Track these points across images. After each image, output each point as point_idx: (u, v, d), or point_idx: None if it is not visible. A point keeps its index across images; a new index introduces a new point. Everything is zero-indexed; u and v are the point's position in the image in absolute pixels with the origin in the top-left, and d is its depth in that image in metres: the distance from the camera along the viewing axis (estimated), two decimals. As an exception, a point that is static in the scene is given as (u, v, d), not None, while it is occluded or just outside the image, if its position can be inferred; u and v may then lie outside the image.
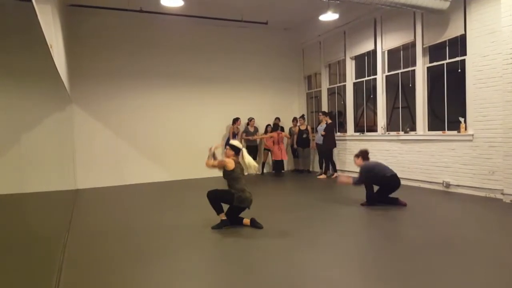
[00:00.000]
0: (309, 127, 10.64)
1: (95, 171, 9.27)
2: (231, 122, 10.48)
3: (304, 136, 10.45)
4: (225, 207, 4.90)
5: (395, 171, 8.21)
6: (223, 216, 4.80)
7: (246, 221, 4.80)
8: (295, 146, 10.80)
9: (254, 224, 4.73)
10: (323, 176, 9.67)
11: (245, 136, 10.60)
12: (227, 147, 4.99)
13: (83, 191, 8.65)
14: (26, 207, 7.22)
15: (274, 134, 10.51)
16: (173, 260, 3.79)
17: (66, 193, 8.48)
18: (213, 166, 4.86)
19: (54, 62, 4.29)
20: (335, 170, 9.82)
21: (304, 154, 10.65)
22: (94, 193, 8.38)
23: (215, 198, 4.76)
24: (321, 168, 9.97)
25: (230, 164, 4.74)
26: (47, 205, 7.41)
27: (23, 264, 4.00)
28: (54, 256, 4.04)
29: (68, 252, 4.16)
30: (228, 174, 4.78)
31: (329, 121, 9.72)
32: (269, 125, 10.86)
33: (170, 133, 10.11)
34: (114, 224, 5.46)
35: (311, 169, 10.91)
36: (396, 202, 5.95)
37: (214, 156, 4.95)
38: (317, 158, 10.44)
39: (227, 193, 4.74)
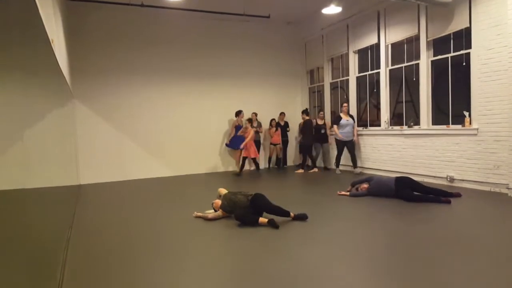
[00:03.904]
0: (327, 122, 10.25)
1: (98, 166, 9.27)
2: (233, 116, 10.44)
3: (322, 131, 10.07)
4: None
5: (398, 166, 8.18)
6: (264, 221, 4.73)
7: (263, 220, 4.74)
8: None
9: (272, 223, 4.66)
10: (301, 170, 9.91)
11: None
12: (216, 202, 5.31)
13: (86, 187, 8.65)
14: (30, 203, 7.23)
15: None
16: (177, 257, 3.78)
17: (69, 189, 8.48)
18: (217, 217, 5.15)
19: (55, 57, 4.25)
20: (314, 166, 10.07)
21: (323, 150, 10.25)
22: (97, 189, 8.38)
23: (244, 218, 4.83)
24: (337, 164, 9.48)
25: (222, 213, 5.13)
26: (50, 200, 7.42)
27: (27, 259, 4.00)
28: (58, 252, 4.04)
29: (71, 248, 4.14)
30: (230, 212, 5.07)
31: (306, 117, 10.12)
32: (273, 119, 10.83)
33: (173, 128, 10.09)
34: (117, 220, 5.45)
35: (328, 166, 10.33)
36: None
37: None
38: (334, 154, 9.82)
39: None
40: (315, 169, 9.93)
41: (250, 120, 9.88)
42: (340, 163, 9.57)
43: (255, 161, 10.02)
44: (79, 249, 4.12)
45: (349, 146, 9.16)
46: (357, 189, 6.49)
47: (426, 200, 5.78)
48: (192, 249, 4.00)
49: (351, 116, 9.29)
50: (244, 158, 9.84)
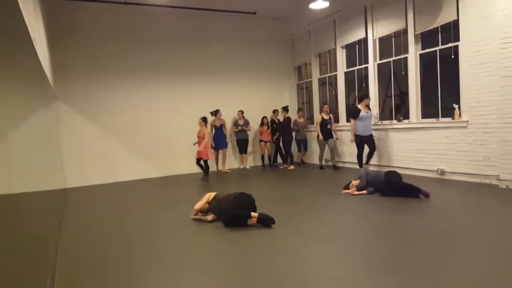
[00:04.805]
0: (332, 116, 9.55)
1: (84, 169, 9.02)
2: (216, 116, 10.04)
3: (328, 127, 9.38)
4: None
5: (389, 160, 8.11)
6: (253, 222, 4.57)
7: (252, 221, 4.55)
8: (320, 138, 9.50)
9: (262, 221, 4.52)
10: (292, 167, 9.97)
11: (235, 129, 10.44)
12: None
13: (73, 190, 8.40)
14: (14, 209, 6.98)
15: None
16: (170, 259, 3.65)
17: (55, 193, 8.23)
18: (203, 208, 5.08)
19: (38, 57, 4.06)
20: (291, 162, 10.15)
21: (329, 146, 9.46)
22: (84, 192, 8.15)
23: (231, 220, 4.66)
24: (360, 164, 8.24)
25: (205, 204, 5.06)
26: (36, 205, 7.18)
27: (14, 268, 3.83)
28: (47, 259, 3.87)
29: (60, 254, 3.98)
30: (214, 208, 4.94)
31: (287, 115, 10.21)
32: (265, 117, 10.70)
33: (160, 129, 9.88)
34: (106, 223, 5.28)
35: (336, 164, 9.52)
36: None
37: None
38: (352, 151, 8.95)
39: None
40: (285, 165, 10.22)
41: (204, 119, 9.00)
42: (329, 159, 9.53)
43: (206, 163, 8.86)
44: (69, 255, 3.96)
45: (369, 141, 8.08)
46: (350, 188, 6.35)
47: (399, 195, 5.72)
48: (186, 252, 3.88)
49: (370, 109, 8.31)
50: (202, 160, 8.82)
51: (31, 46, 3.51)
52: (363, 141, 8.08)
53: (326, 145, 9.47)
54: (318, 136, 9.50)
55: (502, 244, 3.58)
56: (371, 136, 8.10)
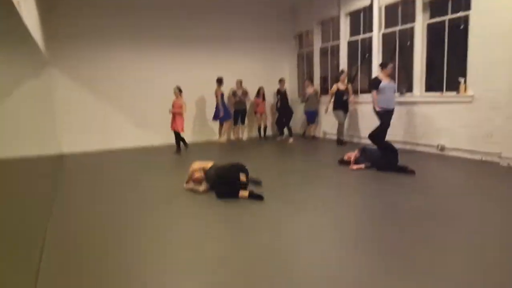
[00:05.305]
0: (349, 87, 8.80)
1: (80, 136, 8.93)
2: (216, 84, 9.69)
3: (345, 98, 8.66)
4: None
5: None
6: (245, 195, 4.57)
7: (244, 194, 4.57)
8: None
9: (254, 196, 4.53)
10: (291, 140, 9.66)
11: (233, 99, 10.16)
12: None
13: (68, 157, 8.27)
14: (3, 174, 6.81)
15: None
16: (165, 232, 3.57)
17: (48, 159, 8.06)
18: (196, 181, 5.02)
19: (23, 22, 3.78)
20: (290, 135, 9.91)
21: (340, 120, 8.78)
22: (79, 159, 8.00)
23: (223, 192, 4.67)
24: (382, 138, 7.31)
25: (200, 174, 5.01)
26: (26, 172, 7.02)
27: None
28: (37, 231, 3.76)
29: (51, 229, 3.88)
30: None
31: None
32: (261, 87, 10.41)
33: (158, 95, 9.57)
34: (103, 197, 5.15)
35: (343, 139, 8.80)
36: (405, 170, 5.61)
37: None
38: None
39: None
40: (281, 137, 10.19)
41: (179, 89, 8.37)
42: (327, 132, 9.33)
43: (179, 136, 8.43)
44: (59, 236, 3.85)
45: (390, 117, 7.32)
46: (346, 161, 6.26)
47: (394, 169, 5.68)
48: (176, 224, 3.80)
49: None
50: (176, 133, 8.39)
51: (14, 10, 3.23)
52: (389, 116, 7.25)
53: (344, 118, 8.75)
54: (334, 107, 8.72)
55: (498, 225, 3.50)
56: (392, 111, 7.29)
